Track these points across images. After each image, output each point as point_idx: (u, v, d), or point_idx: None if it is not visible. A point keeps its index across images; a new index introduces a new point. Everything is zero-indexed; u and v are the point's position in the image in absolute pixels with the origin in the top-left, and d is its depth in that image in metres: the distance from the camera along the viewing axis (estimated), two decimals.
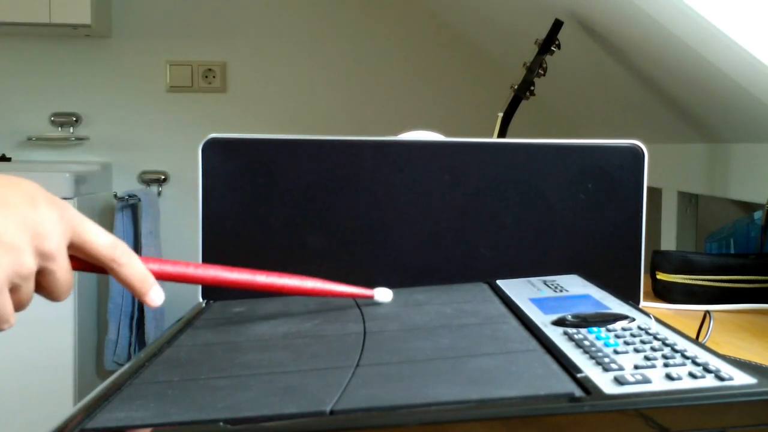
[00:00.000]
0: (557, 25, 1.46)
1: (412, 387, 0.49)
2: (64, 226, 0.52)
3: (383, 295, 0.75)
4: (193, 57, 2.54)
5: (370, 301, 0.75)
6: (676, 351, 0.52)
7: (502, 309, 0.70)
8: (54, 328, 2.04)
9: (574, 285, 0.79)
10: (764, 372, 0.67)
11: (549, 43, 1.46)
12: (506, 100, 1.53)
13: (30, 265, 0.49)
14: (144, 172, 2.54)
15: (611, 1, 1.35)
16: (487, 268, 0.91)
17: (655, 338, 0.55)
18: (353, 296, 0.74)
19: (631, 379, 0.46)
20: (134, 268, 0.56)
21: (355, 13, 2.59)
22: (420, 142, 0.94)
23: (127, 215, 2.34)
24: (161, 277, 0.60)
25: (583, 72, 1.94)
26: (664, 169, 1.85)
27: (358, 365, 0.54)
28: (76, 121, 2.51)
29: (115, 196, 2.36)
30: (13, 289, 0.50)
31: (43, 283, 0.52)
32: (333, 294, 0.72)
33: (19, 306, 0.51)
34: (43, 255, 0.50)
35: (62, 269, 0.52)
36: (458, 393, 0.47)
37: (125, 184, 2.52)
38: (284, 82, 2.58)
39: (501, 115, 1.54)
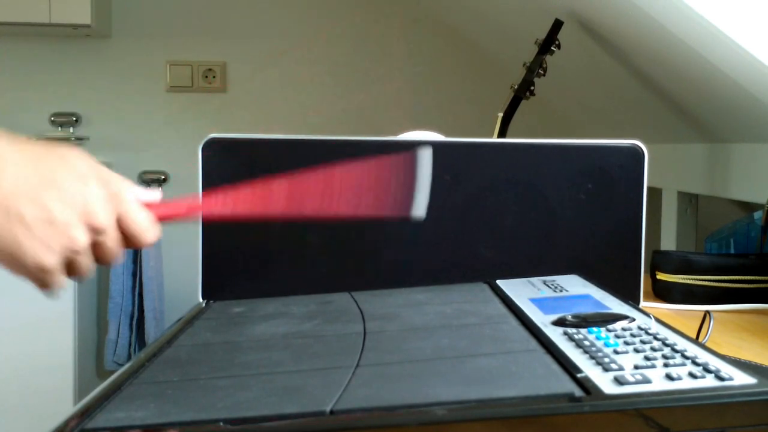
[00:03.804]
0: (557, 25, 1.46)
1: (412, 387, 0.49)
2: (113, 202, 0.54)
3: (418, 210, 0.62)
4: (193, 57, 2.54)
5: (369, 301, 0.75)
6: (676, 351, 0.52)
7: (502, 309, 0.70)
8: (54, 328, 2.04)
9: (574, 285, 0.79)
10: (764, 372, 0.67)
11: (549, 43, 1.46)
12: (506, 100, 1.53)
13: (83, 242, 0.52)
14: (144, 172, 2.54)
15: (611, 1, 1.35)
16: (487, 268, 0.91)
17: (655, 338, 0.55)
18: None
19: (631, 379, 0.46)
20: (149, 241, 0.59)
21: (355, 13, 2.59)
22: (420, 142, 0.94)
23: None
24: (176, 217, 0.62)
25: (583, 72, 1.94)
26: (664, 169, 1.85)
27: (358, 365, 0.54)
28: (76, 121, 2.51)
29: None
30: (70, 263, 0.53)
31: (96, 254, 0.55)
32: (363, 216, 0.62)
33: (76, 274, 0.55)
34: (94, 230, 0.53)
35: (112, 240, 0.55)
36: (458, 393, 0.47)
37: None
38: (284, 82, 2.57)
39: (501, 115, 1.54)
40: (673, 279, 1.04)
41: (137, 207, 0.56)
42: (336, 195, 0.63)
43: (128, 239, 0.57)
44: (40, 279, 0.52)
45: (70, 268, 0.54)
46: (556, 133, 2.58)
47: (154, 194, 0.60)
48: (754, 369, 0.58)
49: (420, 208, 0.61)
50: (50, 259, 0.51)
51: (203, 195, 0.63)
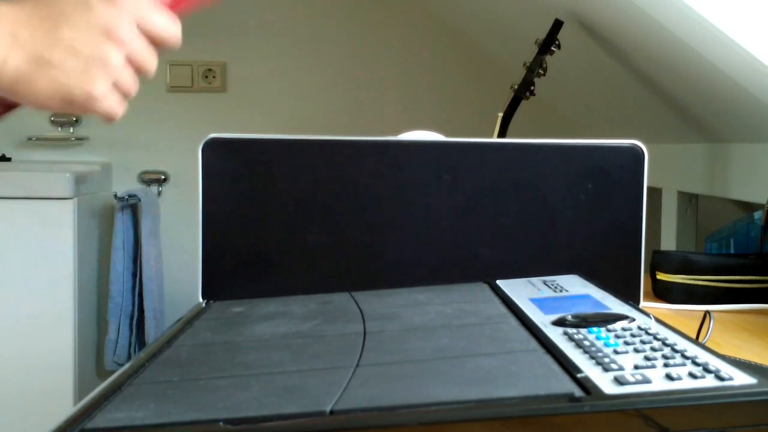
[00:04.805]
0: (557, 25, 1.46)
1: (412, 387, 0.49)
2: (127, 15, 0.56)
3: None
4: (193, 57, 2.54)
5: (369, 301, 0.75)
6: (676, 351, 0.52)
7: (502, 309, 0.70)
8: (54, 328, 2.04)
9: (574, 285, 0.79)
10: (764, 372, 0.67)
11: (549, 43, 1.46)
12: (506, 100, 1.53)
13: (117, 60, 0.55)
14: (144, 172, 2.54)
15: (611, 1, 1.35)
16: (487, 268, 0.91)
17: (655, 338, 0.55)
18: None
19: (631, 379, 0.46)
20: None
21: (355, 13, 2.59)
22: (420, 142, 0.94)
23: (127, 215, 2.34)
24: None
25: (583, 72, 1.94)
26: (664, 169, 1.85)
27: (358, 365, 0.54)
28: (76, 121, 2.51)
29: (115, 196, 2.36)
30: (116, 83, 0.56)
31: (134, 65, 0.58)
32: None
33: (128, 93, 0.58)
34: (122, 44, 0.55)
35: (141, 47, 0.57)
36: (458, 393, 0.47)
37: (125, 184, 2.52)
38: (284, 82, 2.57)
39: (501, 115, 1.54)
40: (673, 279, 1.04)
41: (151, 9, 0.58)
42: None
43: (155, 40, 0.59)
44: (99, 108, 0.55)
45: (120, 86, 0.57)
46: (556, 133, 2.58)
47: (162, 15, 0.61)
48: (754, 369, 0.58)
49: None
50: (98, 87, 0.54)
51: None
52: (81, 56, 0.53)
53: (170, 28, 0.59)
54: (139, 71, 0.59)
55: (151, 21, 0.58)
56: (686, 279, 1.03)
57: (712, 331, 0.83)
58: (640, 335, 0.56)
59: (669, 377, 0.47)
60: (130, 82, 0.58)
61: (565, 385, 0.47)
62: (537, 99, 1.61)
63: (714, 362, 0.49)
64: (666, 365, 0.49)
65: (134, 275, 2.33)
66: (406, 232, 0.91)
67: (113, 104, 0.57)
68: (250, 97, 2.57)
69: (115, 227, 2.32)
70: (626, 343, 0.54)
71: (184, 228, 2.53)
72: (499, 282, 0.83)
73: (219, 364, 0.58)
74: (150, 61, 0.59)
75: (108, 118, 0.58)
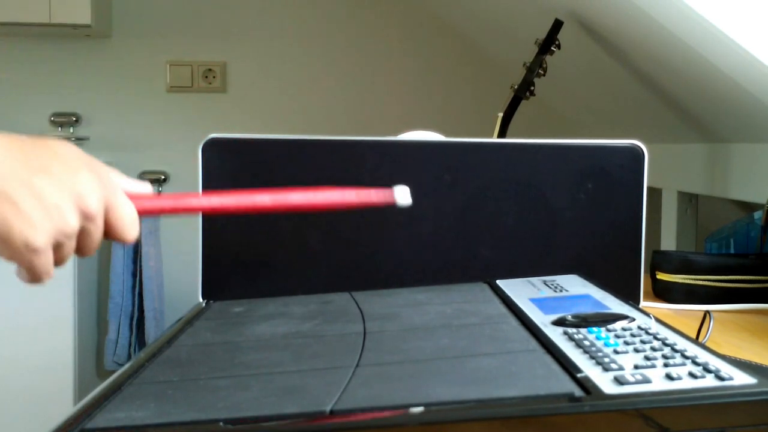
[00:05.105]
0: (557, 25, 1.46)
1: (412, 387, 0.49)
2: (102, 190, 0.55)
3: (402, 195, 0.64)
4: (193, 57, 2.54)
5: (369, 301, 0.75)
6: (676, 351, 0.52)
7: (502, 309, 0.70)
8: (54, 328, 2.04)
9: (574, 285, 0.79)
10: (764, 372, 0.67)
11: (549, 43, 1.46)
12: (506, 100, 1.53)
13: (74, 225, 0.52)
14: (144, 172, 2.54)
15: (611, 1, 1.35)
16: (487, 268, 0.91)
17: (655, 338, 0.55)
18: (371, 203, 0.63)
19: (631, 379, 0.46)
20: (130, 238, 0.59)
21: (355, 13, 2.59)
22: (420, 142, 0.94)
23: None
24: (160, 212, 0.62)
25: (583, 72, 1.94)
26: (664, 169, 1.85)
27: (358, 365, 0.54)
28: (76, 121, 2.51)
29: None
30: (57, 247, 0.53)
31: (80, 241, 0.55)
32: (348, 205, 0.63)
33: (61, 262, 0.54)
34: (85, 216, 0.53)
35: (99, 229, 0.55)
36: (458, 393, 0.47)
37: None
38: (284, 82, 2.57)
39: (501, 115, 1.54)
40: (673, 279, 1.04)
41: (125, 199, 0.56)
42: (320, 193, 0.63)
43: (110, 231, 0.57)
44: (28, 261, 0.51)
45: (56, 254, 0.53)
46: (556, 133, 2.58)
47: (145, 186, 0.60)
48: (754, 369, 0.58)
49: (404, 195, 0.63)
50: (39, 238, 0.50)
51: (191, 194, 0.63)
52: (42, 205, 0.50)
53: (132, 226, 0.56)
54: (80, 249, 0.55)
55: (120, 209, 0.55)
56: (686, 279, 1.03)
57: (712, 331, 0.83)
58: (640, 335, 0.56)
59: (669, 377, 0.47)
60: (69, 254, 0.54)
61: (565, 385, 0.47)
62: (537, 99, 1.61)
63: (714, 362, 0.49)
64: (666, 365, 0.49)
65: (134, 275, 2.33)
66: (406, 232, 0.91)
67: (43, 265, 0.52)
68: (250, 97, 2.57)
69: None
70: (626, 343, 0.54)
71: (184, 228, 2.53)
72: (499, 282, 0.83)
73: (219, 364, 0.58)
74: (93, 244, 0.56)
75: (32, 277, 0.53)
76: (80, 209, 0.52)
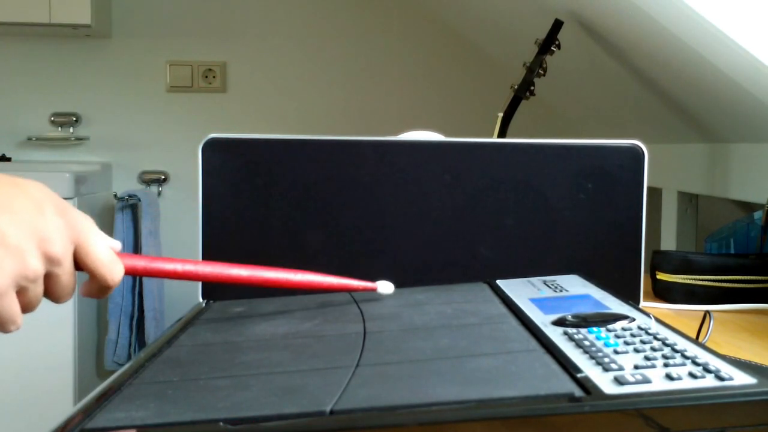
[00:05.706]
0: (557, 25, 1.46)
1: (412, 387, 0.48)
2: (70, 232, 0.52)
3: (385, 287, 0.75)
4: (193, 57, 2.54)
5: (370, 300, 0.75)
6: (676, 351, 0.52)
7: (502, 309, 0.70)
8: (54, 328, 2.04)
9: (574, 285, 0.79)
10: (764, 372, 0.67)
11: (549, 43, 1.46)
12: (506, 100, 1.53)
13: (36, 268, 0.50)
14: (144, 172, 2.54)
15: (611, 1, 1.35)
16: (487, 268, 0.91)
17: (655, 338, 0.55)
18: (355, 289, 0.74)
19: (631, 379, 0.46)
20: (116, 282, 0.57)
21: (355, 13, 2.59)
22: (420, 142, 0.94)
23: (127, 215, 2.34)
24: (155, 275, 0.61)
25: (583, 72, 1.94)
26: (664, 169, 1.85)
27: (358, 365, 0.54)
28: (76, 121, 2.51)
29: (115, 196, 2.36)
30: (21, 292, 0.50)
31: (48, 287, 0.52)
32: (335, 288, 0.72)
33: (27, 308, 0.51)
34: (49, 259, 0.51)
35: (67, 273, 0.53)
36: (458, 393, 0.47)
37: (125, 184, 2.52)
38: (284, 82, 2.58)
39: (501, 115, 1.54)
40: (673, 279, 1.04)
41: (98, 239, 0.54)
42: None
43: (93, 277, 0.54)
44: None
45: (22, 298, 0.50)
46: (556, 133, 2.58)
47: (114, 243, 0.57)
48: (754, 369, 0.58)
49: (387, 288, 0.76)
50: (0, 281, 0.48)
51: (167, 258, 0.63)
52: (5, 249, 0.48)
53: (111, 265, 0.54)
54: (50, 294, 0.53)
55: (93, 249, 0.53)
56: (686, 279, 1.03)
57: (712, 331, 0.83)
58: (640, 335, 0.56)
59: (669, 377, 0.47)
60: (36, 300, 0.51)
61: (565, 385, 0.47)
62: (537, 99, 1.61)
63: (714, 362, 0.49)
64: (666, 365, 0.49)
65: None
66: (406, 232, 0.91)
67: (6, 308, 0.49)
68: (250, 97, 2.57)
69: (115, 227, 2.32)
70: (626, 343, 0.54)
71: (184, 228, 2.53)
72: (499, 282, 0.83)
73: (219, 364, 0.58)
74: (64, 290, 0.53)
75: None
76: (43, 252, 0.50)
